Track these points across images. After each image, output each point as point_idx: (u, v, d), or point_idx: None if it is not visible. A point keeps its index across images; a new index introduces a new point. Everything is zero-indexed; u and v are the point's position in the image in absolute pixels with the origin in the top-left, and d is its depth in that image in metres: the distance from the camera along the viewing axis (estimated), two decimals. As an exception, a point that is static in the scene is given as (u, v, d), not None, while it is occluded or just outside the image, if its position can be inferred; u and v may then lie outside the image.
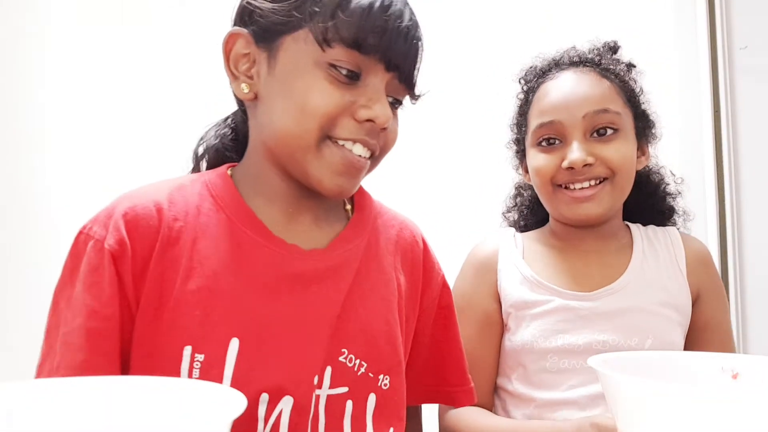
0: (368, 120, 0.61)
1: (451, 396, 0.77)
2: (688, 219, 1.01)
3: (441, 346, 0.76)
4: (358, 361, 0.63)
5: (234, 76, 0.65)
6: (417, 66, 0.64)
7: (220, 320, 0.58)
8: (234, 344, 0.58)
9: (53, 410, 0.43)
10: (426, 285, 0.74)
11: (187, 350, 0.57)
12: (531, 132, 0.92)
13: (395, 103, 0.65)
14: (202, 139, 0.75)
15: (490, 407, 0.92)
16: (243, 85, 0.64)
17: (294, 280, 0.62)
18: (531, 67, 0.98)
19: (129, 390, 0.45)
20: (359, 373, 0.63)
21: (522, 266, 0.93)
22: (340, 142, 0.61)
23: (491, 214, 1.11)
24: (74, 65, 1.51)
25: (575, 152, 0.86)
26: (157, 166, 1.48)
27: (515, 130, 0.99)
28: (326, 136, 0.61)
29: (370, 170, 0.67)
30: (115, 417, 0.44)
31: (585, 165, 0.86)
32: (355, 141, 0.62)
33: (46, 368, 0.56)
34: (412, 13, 0.63)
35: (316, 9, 0.60)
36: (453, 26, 1.61)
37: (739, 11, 1.63)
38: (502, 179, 1.09)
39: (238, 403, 0.38)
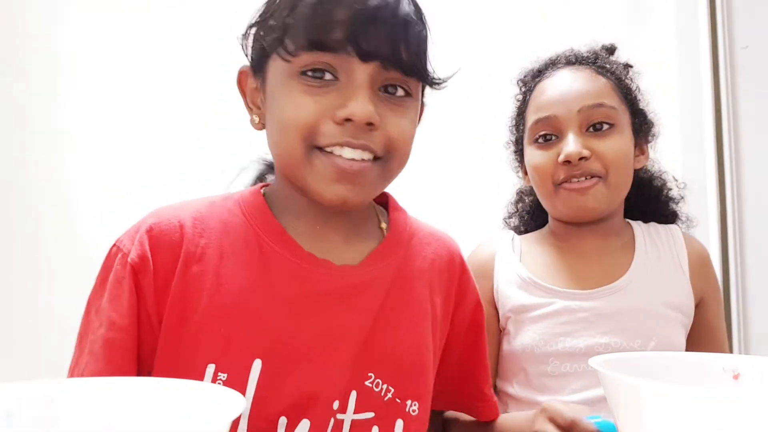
0: (347, 119, 0.56)
1: (474, 410, 0.77)
2: (692, 225, 1.01)
3: (468, 363, 0.75)
4: (385, 386, 0.61)
5: (250, 110, 0.65)
6: (406, 46, 0.57)
7: (245, 339, 0.58)
8: (257, 365, 0.57)
9: (53, 411, 0.43)
10: (459, 303, 0.72)
11: (210, 368, 0.57)
12: (528, 129, 0.93)
13: (393, 93, 0.59)
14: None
15: None
16: (254, 117, 0.64)
17: (322, 297, 0.61)
18: (528, 69, 0.99)
19: (128, 390, 0.45)
20: (386, 399, 0.61)
21: (519, 269, 0.92)
22: (328, 149, 0.58)
23: (492, 217, 1.11)
24: (71, 64, 1.51)
25: (571, 145, 0.86)
26: (158, 167, 1.48)
27: (513, 131, 1.00)
28: (313, 146, 0.58)
29: (386, 174, 0.62)
30: (115, 417, 0.44)
31: (581, 158, 0.85)
32: (341, 145, 0.57)
33: (76, 373, 0.58)
34: None
35: (273, 22, 0.58)
36: (454, 24, 1.61)
37: (740, 10, 1.63)
38: (504, 181, 1.09)
39: (237, 403, 0.38)
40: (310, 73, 0.57)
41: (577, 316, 0.86)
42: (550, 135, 0.90)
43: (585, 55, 0.95)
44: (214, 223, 0.62)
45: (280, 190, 0.66)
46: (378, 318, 0.62)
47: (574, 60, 0.94)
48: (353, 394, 0.60)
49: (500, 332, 0.93)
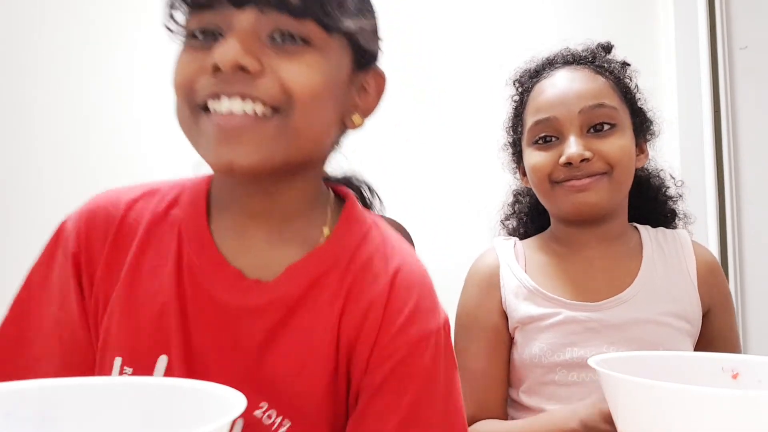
0: (216, 68, 0.50)
1: None
2: (689, 222, 1.00)
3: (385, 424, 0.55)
4: (279, 419, 0.55)
5: None
6: None
7: (150, 335, 0.55)
8: (162, 361, 0.55)
9: (52, 411, 0.43)
10: (381, 328, 0.57)
11: (117, 361, 0.55)
12: (527, 130, 0.91)
13: (284, 40, 0.52)
14: None
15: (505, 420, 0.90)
16: None
17: (221, 311, 0.56)
18: (525, 69, 0.97)
19: (127, 390, 0.45)
20: None
21: (525, 280, 0.91)
22: (210, 107, 0.52)
23: (486, 220, 1.09)
24: (69, 62, 1.51)
25: (572, 147, 0.84)
26: (154, 166, 1.48)
27: (511, 132, 0.98)
28: (196, 106, 0.53)
29: (287, 131, 0.52)
30: (114, 417, 0.44)
31: (583, 160, 0.84)
32: (215, 96, 0.51)
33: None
34: None
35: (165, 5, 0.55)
36: (450, 28, 1.61)
37: (739, 11, 1.63)
38: (500, 184, 1.08)
39: (238, 403, 0.38)
40: (198, 36, 0.53)
41: (584, 326, 0.85)
42: (549, 137, 0.88)
43: (582, 54, 0.93)
44: (148, 213, 0.60)
45: (216, 178, 0.61)
46: (271, 337, 0.56)
47: (572, 59, 0.93)
48: (239, 423, 0.54)
49: (511, 341, 0.91)
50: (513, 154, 0.99)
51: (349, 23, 0.54)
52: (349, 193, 0.64)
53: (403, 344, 0.56)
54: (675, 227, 1.00)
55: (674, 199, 1.01)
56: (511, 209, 1.06)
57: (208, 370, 0.55)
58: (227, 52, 0.50)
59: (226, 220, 0.59)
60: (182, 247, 0.58)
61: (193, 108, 0.53)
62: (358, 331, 0.57)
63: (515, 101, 0.98)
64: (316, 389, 0.56)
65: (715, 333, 0.91)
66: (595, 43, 0.97)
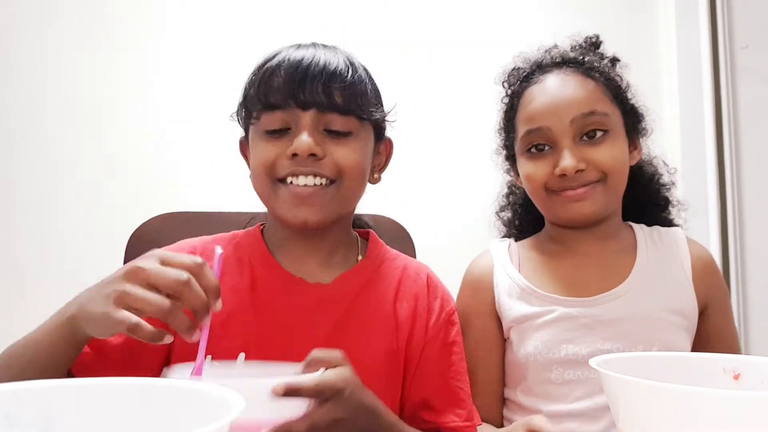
0: (294, 154, 0.72)
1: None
2: (683, 209, 1.00)
3: (443, 380, 0.78)
4: None
5: (249, 167, 0.81)
6: (340, 91, 0.73)
7: (233, 337, 0.73)
8: (241, 357, 0.71)
9: (52, 411, 0.43)
10: (429, 316, 0.80)
11: (208, 358, 0.70)
12: (519, 139, 0.91)
13: (336, 133, 0.74)
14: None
15: (499, 422, 0.91)
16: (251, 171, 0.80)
17: (293, 307, 0.76)
18: (514, 69, 0.96)
19: (128, 391, 0.45)
20: None
21: (518, 279, 0.91)
22: (288, 180, 0.74)
23: (485, 217, 1.09)
24: (71, 64, 1.51)
25: (566, 160, 0.84)
26: (156, 167, 1.48)
27: (503, 135, 0.98)
28: (275, 179, 0.74)
29: (342, 195, 0.75)
30: (114, 418, 0.44)
31: (577, 171, 0.84)
32: (294, 174, 0.73)
33: None
34: (315, 50, 0.74)
35: (242, 99, 0.78)
36: (450, 28, 1.61)
37: (740, 10, 1.63)
38: (500, 184, 1.07)
39: (237, 404, 0.38)
40: (270, 128, 0.75)
41: (578, 322, 0.86)
42: (542, 145, 0.88)
43: (572, 55, 0.92)
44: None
45: (270, 226, 0.83)
46: (339, 325, 0.75)
47: (561, 61, 0.92)
48: None
49: (504, 342, 0.92)
50: (507, 157, 0.98)
51: (374, 114, 0.78)
52: (370, 231, 0.87)
53: (443, 323, 0.81)
54: (669, 214, 0.99)
55: (667, 187, 1.00)
56: (505, 200, 1.06)
57: (283, 357, 0.70)
58: (303, 143, 0.72)
59: (285, 254, 0.80)
60: (254, 271, 0.78)
61: (273, 181, 0.75)
62: (413, 319, 0.79)
63: (505, 104, 0.97)
64: (374, 362, 0.75)
65: (712, 332, 0.90)
66: (583, 38, 0.96)
